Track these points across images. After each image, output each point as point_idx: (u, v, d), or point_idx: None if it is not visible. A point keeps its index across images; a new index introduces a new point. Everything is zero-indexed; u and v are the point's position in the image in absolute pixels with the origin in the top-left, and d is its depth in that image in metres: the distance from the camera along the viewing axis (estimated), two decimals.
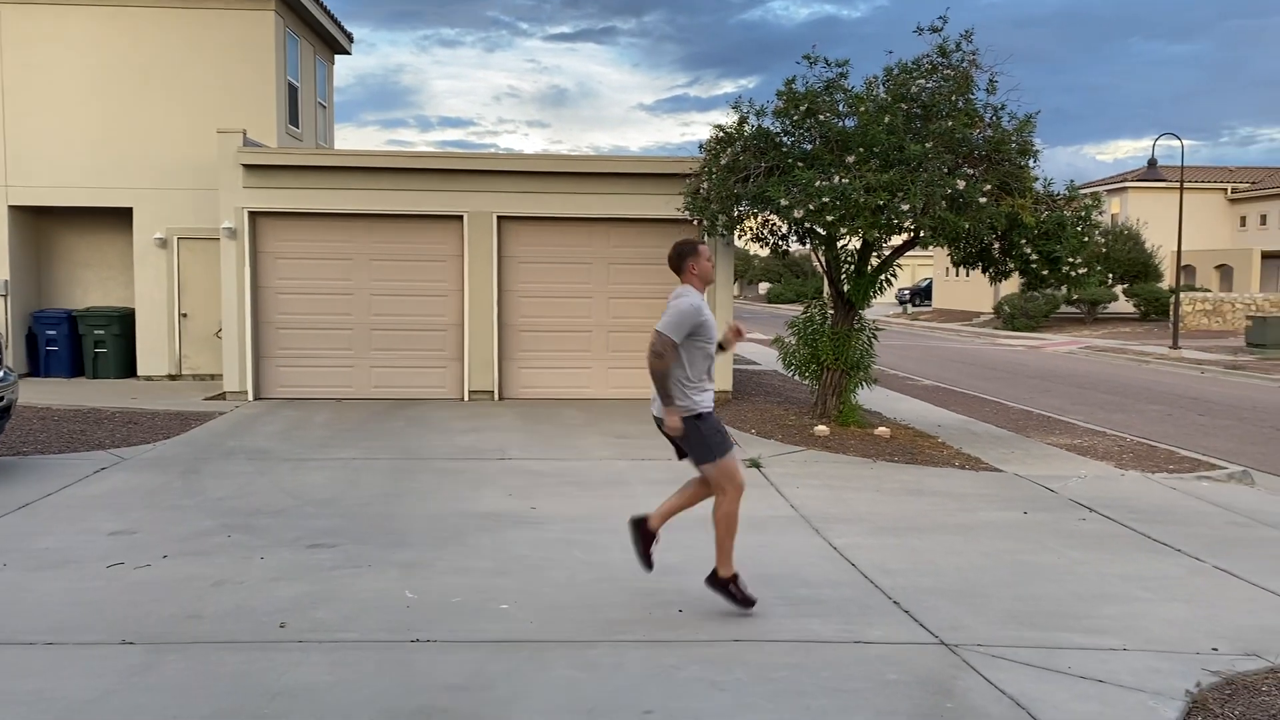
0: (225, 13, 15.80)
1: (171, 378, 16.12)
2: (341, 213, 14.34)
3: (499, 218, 14.38)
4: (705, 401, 5.77)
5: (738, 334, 6.15)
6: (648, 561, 5.99)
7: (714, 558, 5.90)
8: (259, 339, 14.42)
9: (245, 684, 4.72)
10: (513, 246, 14.56)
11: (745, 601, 5.79)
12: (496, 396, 14.51)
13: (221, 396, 14.30)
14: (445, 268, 14.55)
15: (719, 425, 5.84)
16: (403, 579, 6.35)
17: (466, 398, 14.48)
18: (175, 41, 15.80)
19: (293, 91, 17.05)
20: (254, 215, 14.27)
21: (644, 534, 6.02)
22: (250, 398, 14.21)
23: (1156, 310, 37.36)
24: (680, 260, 5.98)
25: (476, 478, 9.46)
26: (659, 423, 5.92)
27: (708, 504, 6.01)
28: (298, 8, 16.80)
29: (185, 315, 16.14)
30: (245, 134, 14.29)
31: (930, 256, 53.35)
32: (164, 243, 15.90)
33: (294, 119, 17.14)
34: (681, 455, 5.99)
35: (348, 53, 20.19)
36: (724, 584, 5.82)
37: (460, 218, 14.37)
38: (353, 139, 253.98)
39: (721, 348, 6.05)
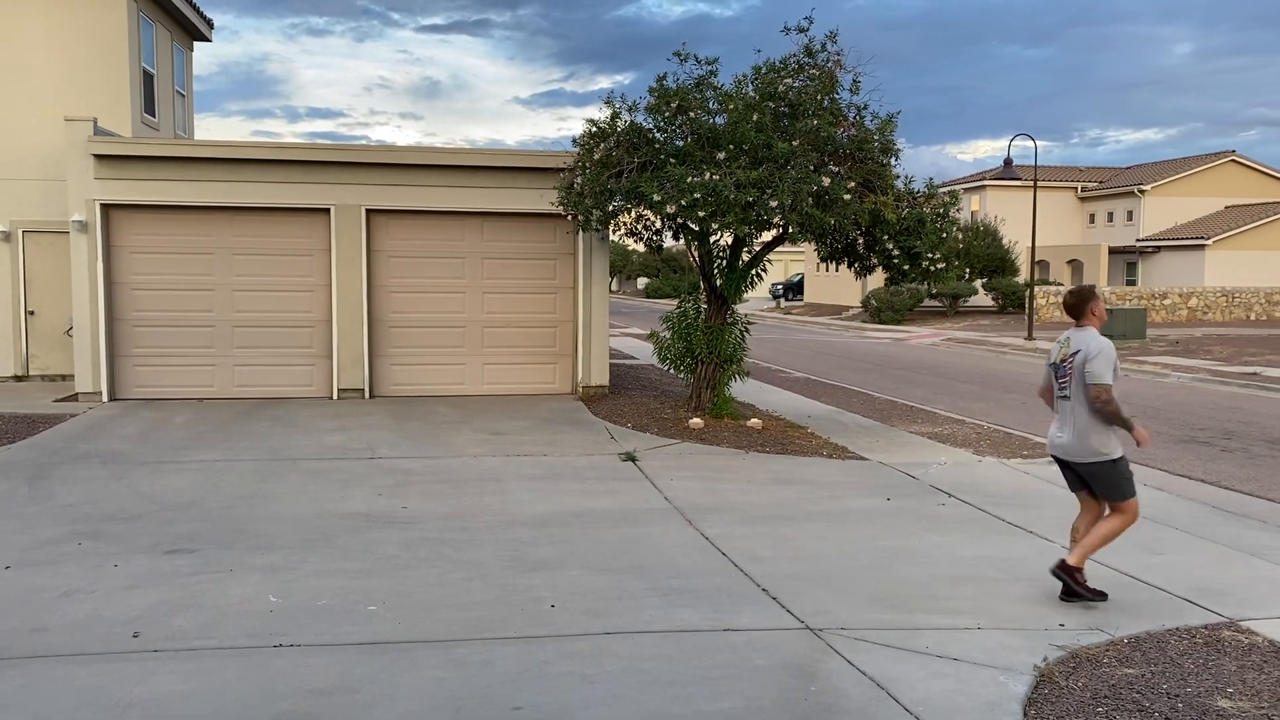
0: None
1: (18, 379, 15.25)
2: (201, 205, 13.80)
3: (368, 211, 14.06)
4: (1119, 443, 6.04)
5: None
6: (1097, 593, 6.09)
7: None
8: (114, 337, 13.77)
9: (93, 698, 4.51)
10: (383, 240, 14.28)
11: (1096, 594, 6.03)
12: (367, 394, 14.21)
13: (73, 398, 13.60)
14: (312, 262, 14.16)
15: (1129, 469, 6.10)
16: (266, 583, 6.17)
17: (336, 396, 14.14)
18: (18, 24, 14.93)
19: (148, 79, 16.32)
20: (107, 208, 13.61)
21: (1070, 571, 6.08)
22: (105, 399, 13.56)
23: (1014, 303, 39.07)
24: (1082, 304, 6.15)
25: (345, 478, 9.26)
26: (1064, 463, 6.23)
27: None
28: None
29: (33, 313, 15.29)
30: (96, 122, 13.61)
31: (801, 252, 54.56)
32: (7, 236, 15.03)
33: (150, 108, 16.41)
34: (1079, 486, 6.27)
35: (208, 40, 19.43)
36: (1071, 571, 6.03)
37: (327, 210, 14.00)
38: (216, 129, 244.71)
39: None
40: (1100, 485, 6.10)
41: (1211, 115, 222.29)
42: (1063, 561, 6.12)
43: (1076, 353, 6.02)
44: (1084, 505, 6.31)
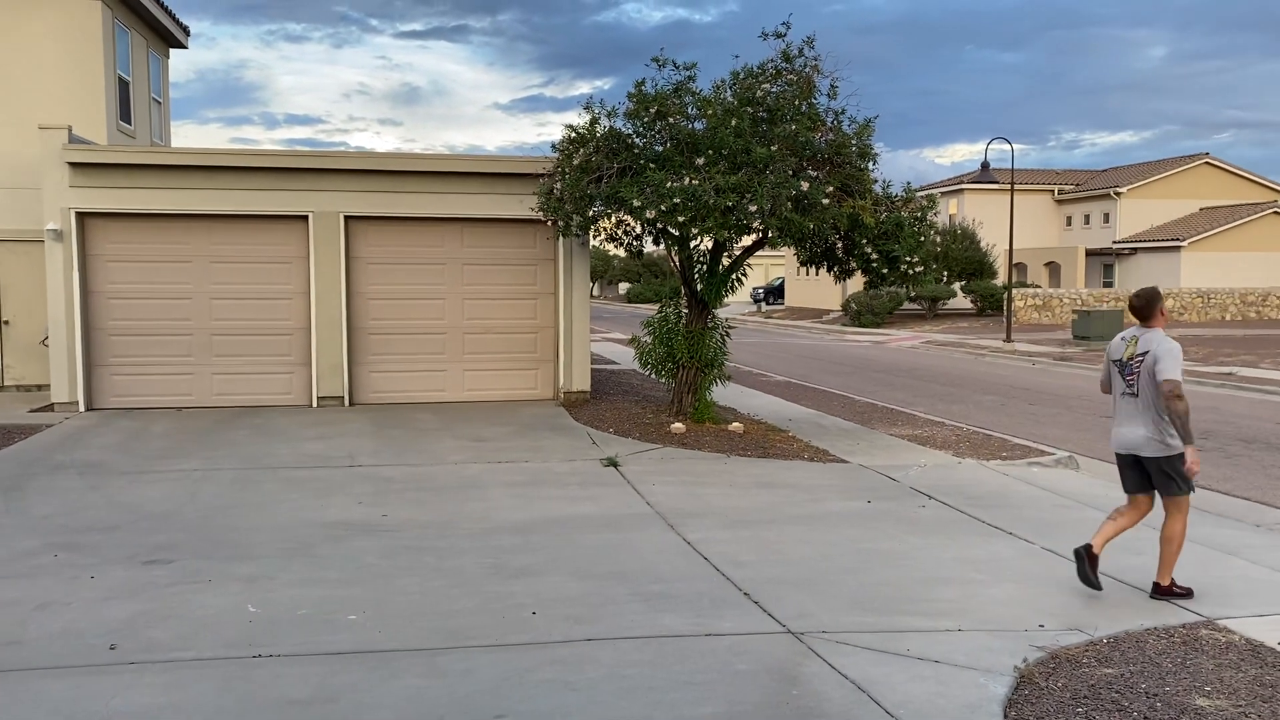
0: (46, 2, 14.90)
1: None
2: (178, 213, 13.71)
3: (347, 218, 14.01)
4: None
5: None
6: (1096, 583, 6.28)
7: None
8: (90, 347, 13.65)
9: (70, 711, 4.46)
10: (362, 247, 14.22)
11: (1187, 593, 6.28)
12: (347, 402, 14.14)
13: (50, 408, 13.47)
14: (290, 269, 14.09)
15: None
16: (245, 593, 6.12)
17: (315, 404, 14.07)
18: None
19: (124, 86, 16.21)
20: (82, 216, 13.50)
21: (1091, 558, 6.31)
22: (82, 409, 13.44)
23: (992, 306, 39.31)
24: (1150, 306, 6.34)
25: (325, 486, 9.21)
26: (1138, 460, 6.33)
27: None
28: None
29: (7, 322, 15.15)
30: (71, 130, 13.50)
31: (782, 256, 54.72)
32: None
33: (126, 115, 16.30)
34: (1137, 487, 6.44)
35: (184, 46, 19.32)
36: (1169, 590, 6.28)
37: (305, 218, 13.94)
38: (194, 137, 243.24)
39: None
40: (1164, 480, 6.26)
41: (1186, 118, 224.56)
42: (1156, 585, 6.32)
43: (1146, 353, 6.20)
44: (1132, 507, 6.48)
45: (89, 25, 15.06)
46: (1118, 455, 6.48)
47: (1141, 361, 6.21)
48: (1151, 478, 6.32)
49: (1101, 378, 6.69)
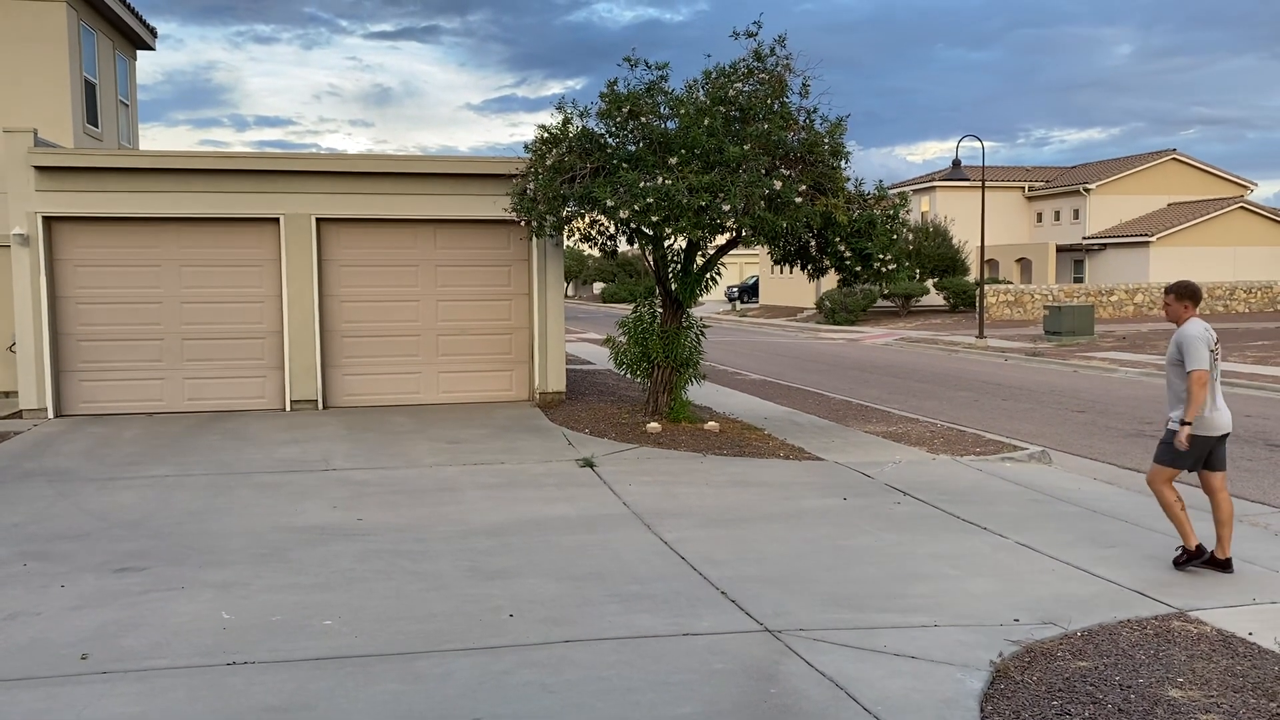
0: (10, 3, 14.71)
1: None
2: (147, 217, 13.57)
3: (318, 220, 13.91)
4: None
5: None
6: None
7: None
8: (59, 352, 13.49)
9: None
10: (334, 250, 14.13)
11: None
12: (321, 406, 14.05)
13: (17, 415, 13.30)
14: (262, 273, 13.98)
15: None
16: (219, 600, 6.06)
17: (289, 408, 13.96)
18: None
19: (90, 89, 16.03)
20: (49, 220, 13.33)
21: (1226, 564, 6.72)
22: (50, 415, 13.28)
23: (964, 302, 39.58)
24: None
25: (299, 491, 9.14)
26: (1216, 440, 6.74)
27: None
28: None
29: None
30: (36, 133, 13.33)
31: (756, 255, 54.86)
32: None
33: (93, 118, 16.12)
34: (1204, 465, 6.78)
35: (151, 48, 19.14)
36: (1226, 563, 6.71)
37: (277, 220, 13.83)
38: (163, 139, 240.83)
39: None
40: (1223, 454, 6.76)
41: (1152, 115, 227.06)
42: (1212, 556, 6.71)
43: (1217, 341, 6.71)
44: (1204, 484, 6.88)
45: (54, 27, 14.88)
46: (1213, 438, 6.70)
47: (1217, 349, 6.71)
48: (1214, 454, 6.73)
49: (1205, 365, 6.58)
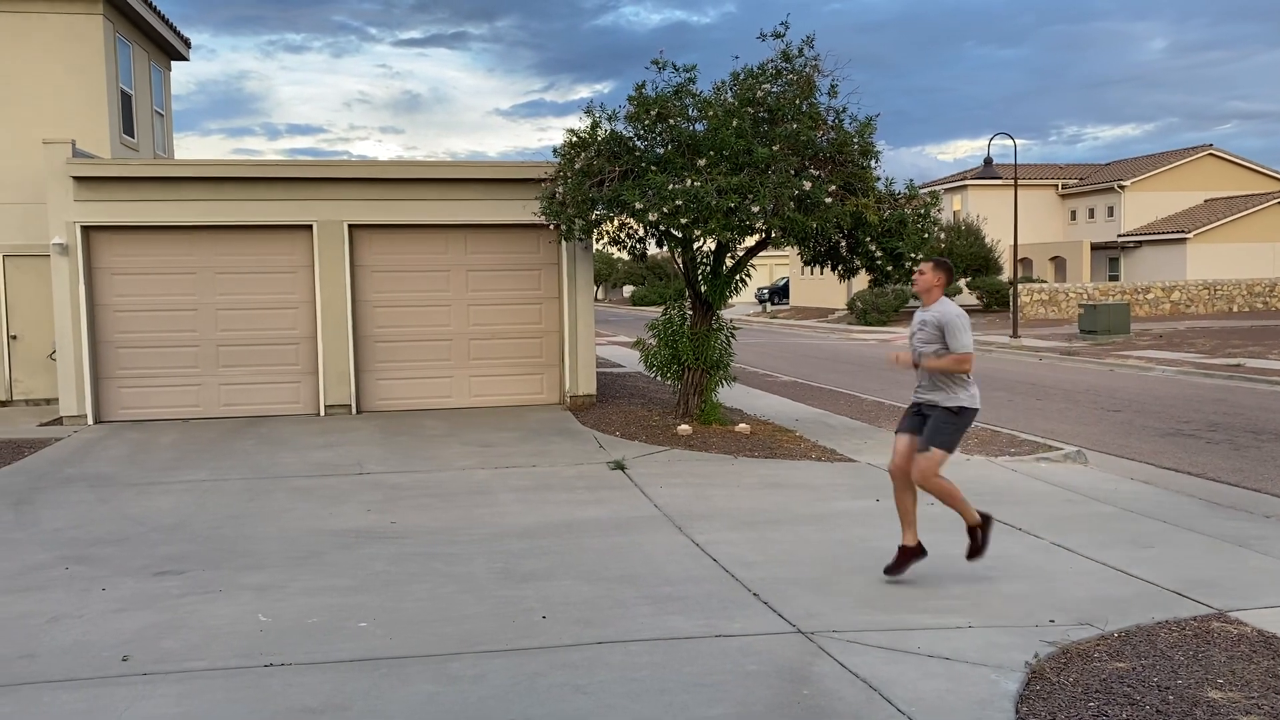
0: (49, 17, 14.97)
1: (2, 404, 15.16)
2: (183, 225, 13.76)
3: (351, 226, 14.05)
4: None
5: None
6: None
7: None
8: (98, 360, 13.70)
9: None
10: (366, 255, 14.26)
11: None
12: (354, 410, 14.17)
13: (58, 421, 13.53)
14: (296, 279, 14.13)
15: None
16: (256, 602, 6.14)
17: (323, 412, 14.10)
18: None
19: (126, 99, 16.27)
20: (88, 230, 13.56)
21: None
22: (90, 421, 13.49)
23: (998, 301, 39.24)
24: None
25: (333, 494, 9.23)
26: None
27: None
28: (128, 11, 16.04)
29: (15, 337, 15.21)
30: (74, 144, 13.56)
31: (786, 256, 54.68)
32: None
33: (129, 128, 16.36)
34: None
35: (185, 59, 19.39)
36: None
37: (310, 227, 13.98)
38: (196, 148, 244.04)
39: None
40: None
41: (1188, 110, 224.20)
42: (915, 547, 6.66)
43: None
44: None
45: (91, 39, 15.12)
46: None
47: None
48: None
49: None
